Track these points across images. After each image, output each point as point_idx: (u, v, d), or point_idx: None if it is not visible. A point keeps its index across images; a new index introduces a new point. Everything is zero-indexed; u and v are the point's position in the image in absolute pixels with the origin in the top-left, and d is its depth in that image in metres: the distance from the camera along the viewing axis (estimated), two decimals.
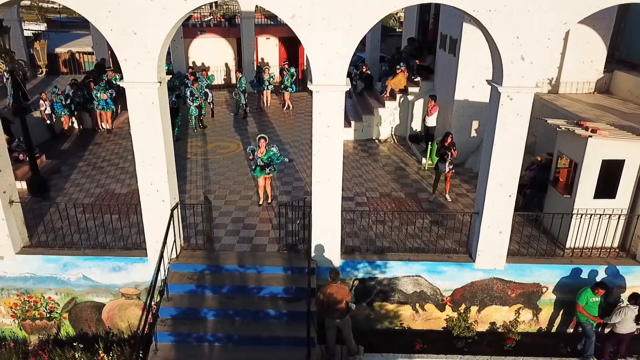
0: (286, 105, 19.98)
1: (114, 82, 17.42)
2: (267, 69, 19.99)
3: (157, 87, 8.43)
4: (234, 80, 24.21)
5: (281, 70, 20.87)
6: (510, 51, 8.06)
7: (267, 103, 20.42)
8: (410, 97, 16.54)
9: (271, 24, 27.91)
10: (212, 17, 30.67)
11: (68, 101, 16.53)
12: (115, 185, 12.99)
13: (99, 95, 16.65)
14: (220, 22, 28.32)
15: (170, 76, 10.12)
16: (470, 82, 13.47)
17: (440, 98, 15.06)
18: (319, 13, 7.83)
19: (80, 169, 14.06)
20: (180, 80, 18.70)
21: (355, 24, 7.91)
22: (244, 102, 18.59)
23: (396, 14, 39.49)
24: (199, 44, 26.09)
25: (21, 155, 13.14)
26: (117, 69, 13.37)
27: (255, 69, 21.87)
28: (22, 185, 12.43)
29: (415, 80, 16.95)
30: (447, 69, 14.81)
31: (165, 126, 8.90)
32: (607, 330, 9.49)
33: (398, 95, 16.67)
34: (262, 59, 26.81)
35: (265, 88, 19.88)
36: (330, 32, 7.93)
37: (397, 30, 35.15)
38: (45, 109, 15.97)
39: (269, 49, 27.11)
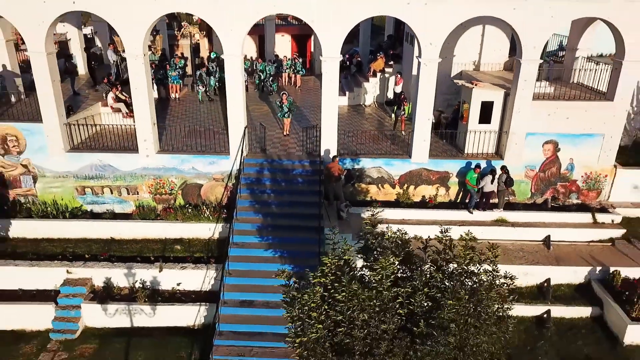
0: (298, 84, 27.59)
1: (178, 65, 25.00)
2: (285, 58, 27.64)
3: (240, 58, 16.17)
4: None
5: (292, 59, 28.42)
6: (424, 41, 15.75)
7: (284, 82, 28.06)
8: (386, 75, 24.21)
9: (284, 24, 35.53)
10: None
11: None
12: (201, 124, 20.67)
13: (171, 73, 24.29)
14: None
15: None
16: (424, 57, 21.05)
17: (404, 74, 22.70)
18: (325, 18, 15.53)
19: (175, 115, 21.71)
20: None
21: (345, 23, 15.61)
22: (263, 82, 25.76)
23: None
24: None
25: None
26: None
27: (274, 58, 29.51)
28: None
29: (389, 64, 24.62)
30: (408, 55, 22.45)
31: (242, 85, 16.58)
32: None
33: (378, 74, 24.33)
34: (276, 56, 34.46)
35: (285, 70, 27.52)
36: (332, 27, 15.62)
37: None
38: None
39: (283, 44, 34.68)
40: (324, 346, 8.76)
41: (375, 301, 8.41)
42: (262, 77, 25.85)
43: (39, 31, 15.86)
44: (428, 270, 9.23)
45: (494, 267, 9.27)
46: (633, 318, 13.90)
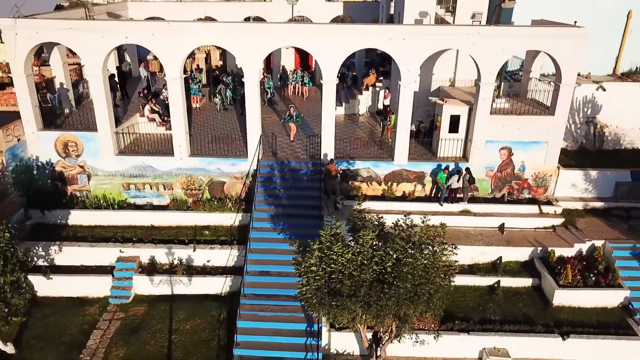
0: (305, 95, 31.63)
1: (198, 79, 29.12)
2: (291, 72, 31.79)
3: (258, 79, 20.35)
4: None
5: (295, 71, 32.49)
6: (403, 68, 19.90)
7: (291, 93, 32.16)
8: (377, 89, 28.35)
9: None
10: None
11: None
12: (220, 130, 24.80)
13: (192, 86, 28.41)
14: None
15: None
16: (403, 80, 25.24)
17: (392, 89, 26.82)
18: (326, 51, 19.68)
19: (198, 123, 25.86)
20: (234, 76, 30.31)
21: (341, 55, 19.76)
22: (269, 94, 29.73)
23: None
24: None
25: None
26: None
27: (281, 71, 33.67)
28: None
29: (380, 79, 28.76)
30: (395, 72, 26.55)
31: (259, 102, 20.74)
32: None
33: (370, 88, 28.47)
34: (284, 65, 38.65)
35: (291, 82, 31.63)
36: (331, 58, 19.77)
37: None
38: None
39: (288, 56, 38.81)
40: (323, 292, 12.98)
41: (357, 259, 12.62)
42: (268, 93, 29.78)
43: (98, 59, 20.01)
44: (395, 240, 13.39)
45: (442, 239, 13.44)
46: (560, 285, 18.09)
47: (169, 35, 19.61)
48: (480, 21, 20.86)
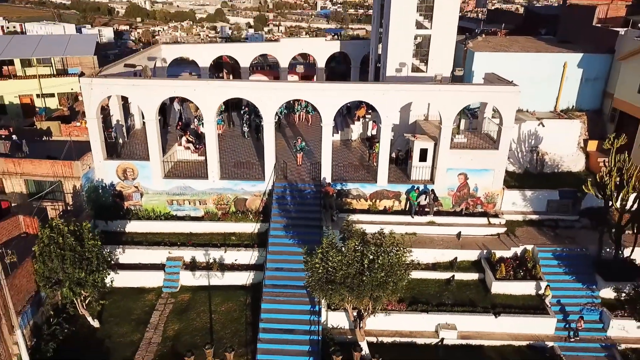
0: (309, 122, 38.07)
1: (221, 109, 35.47)
2: (297, 102, 38.26)
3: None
4: None
5: (299, 102, 38.80)
6: (382, 114, 26.40)
7: (297, 120, 38.61)
8: (367, 119, 34.79)
9: (294, 62, 46.04)
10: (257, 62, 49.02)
11: None
12: (241, 155, 31.28)
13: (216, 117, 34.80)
14: (264, 66, 46.67)
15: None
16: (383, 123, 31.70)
17: (378, 121, 33.21)
18: (325, 102, 26.18)
19: (222, 148, 32.29)
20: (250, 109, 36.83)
21: (336, 105, 26.27)
22: (279, 119, 36.19)
23: None
24: (252, 78, 44.40)
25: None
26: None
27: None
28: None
29: (369, 112, 35.23)
30: None
31: (273, 138, 27.29)
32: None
33: (361, 119, 34.93)
34: None
35: (296, 111, 38.11)
36: (329, 107, 26.27)
37: None
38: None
39: None
40: (322, 281, 19.54)
41: (345, 260, 19.16)
42: (279, 118, 36.30)
43: (152, 107, 26.48)
44: (371, 246, 19.84)
45: (401, 245, 19.95)
46: (497, 278, 24.60)
47: (207, 90, 26.12)
48: (441, 80, 27.20)
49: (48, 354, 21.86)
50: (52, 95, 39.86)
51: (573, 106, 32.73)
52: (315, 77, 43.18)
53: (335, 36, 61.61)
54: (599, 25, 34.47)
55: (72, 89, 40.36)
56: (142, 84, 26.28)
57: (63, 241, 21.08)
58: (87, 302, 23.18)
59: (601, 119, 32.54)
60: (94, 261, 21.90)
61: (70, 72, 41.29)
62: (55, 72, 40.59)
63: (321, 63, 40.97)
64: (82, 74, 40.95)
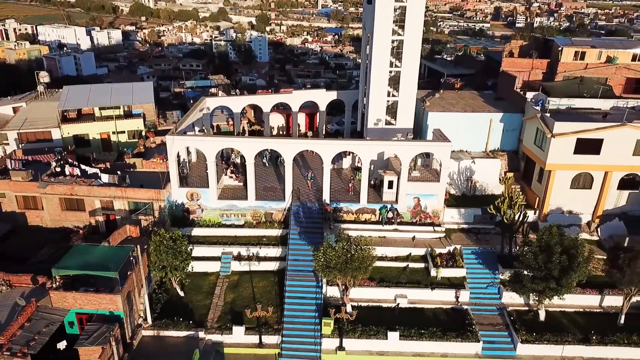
0: (314, 153, 51.88)
1: None
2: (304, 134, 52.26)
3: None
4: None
5: (305, 134, 52.73)
6: (364, 160, 40.44)
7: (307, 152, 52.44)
8: (354, 154, 48.66)
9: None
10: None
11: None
12: (266, 180, 45.29)
13: None
14: (278, 106, 60.74)
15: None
16: (363, 163, 45.65)
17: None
18: (326, 151, 40.23)
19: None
20: None
21: (333, 152, 40.32)
22: None
23: None
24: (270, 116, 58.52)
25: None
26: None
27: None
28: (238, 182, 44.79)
29: None
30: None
31: (291, 169, 41.38)
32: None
33: (351, 153, 48.82)
34: (299, 124, 59.14)
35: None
36: (328, 153, 40.30)
37: None
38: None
39: (300, 119, 59.30)
40: (323, 266, 33.80)
41: (337, 253, 33.36)
42: None
43: (212, 153, 40.47)
44: (352, 244, 33.92)
45: (370, 245, 34.12)
46: (435, 266, 38.66)
47: (249, 143, 40.16)
48: (406, 135, 40.97)
49: (157, 310, 35.98)
50: (123, 132, 53.89)
51: (498, 148, 46.76)
52: (317, 114, 57.13)
53: (336, 36, 75.02)
54: (518, 89, 48.37)
55: (137, 127, 54.40)
56: (206, 139, 40.39)
57: (165, 243, 35.16)
58: (177, 280, 37.30)
59: (517, 158, 46.54)
60: (184, 255, 35.99)
61: (134, 113, 55.24)
62: (124, 114, 54.60)
63: (322, 107, 54.95)
64: (143, 116, 55.29)
